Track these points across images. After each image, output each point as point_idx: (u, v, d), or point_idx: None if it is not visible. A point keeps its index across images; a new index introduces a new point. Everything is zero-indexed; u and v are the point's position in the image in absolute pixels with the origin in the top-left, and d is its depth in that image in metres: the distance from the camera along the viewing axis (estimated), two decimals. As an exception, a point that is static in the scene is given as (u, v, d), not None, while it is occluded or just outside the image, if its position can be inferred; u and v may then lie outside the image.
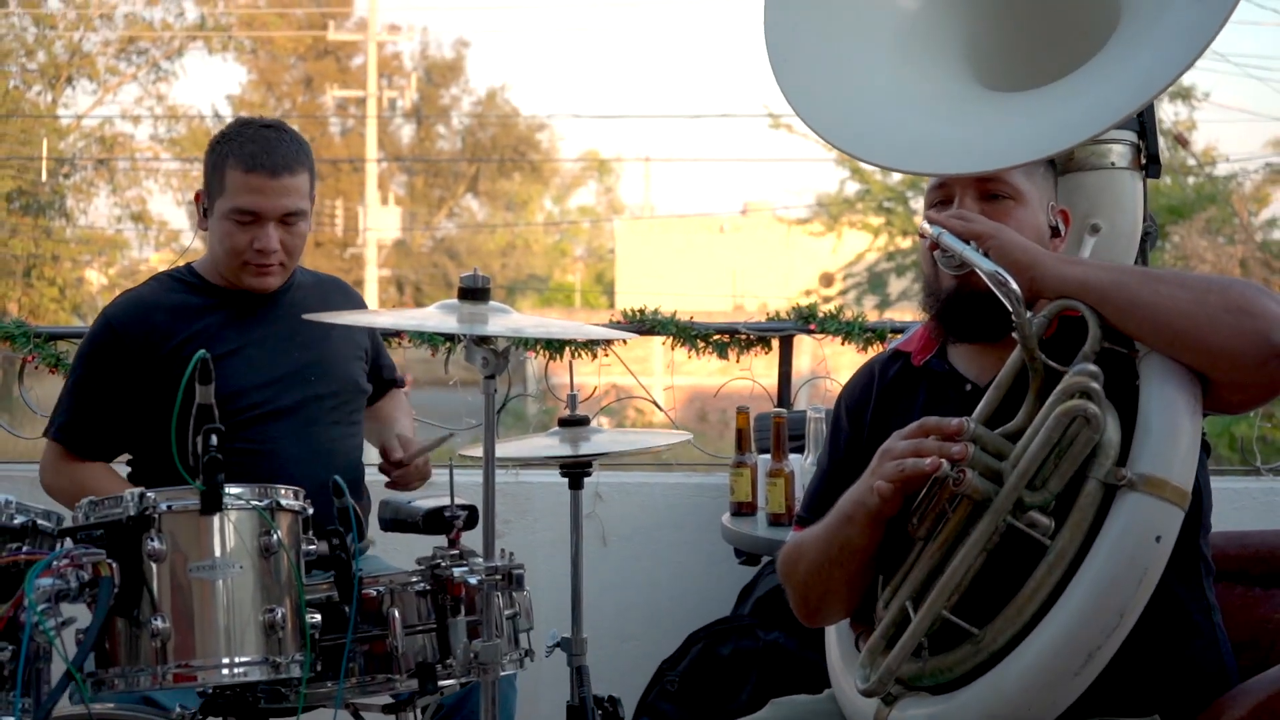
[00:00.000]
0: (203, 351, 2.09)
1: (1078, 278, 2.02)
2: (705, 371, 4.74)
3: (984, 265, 1.98)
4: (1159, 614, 1.94)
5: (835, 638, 2.27)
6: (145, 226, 24.06)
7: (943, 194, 2.22)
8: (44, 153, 22.60)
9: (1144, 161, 2.52)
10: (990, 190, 2.18)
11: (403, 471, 3.03)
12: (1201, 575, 2.13)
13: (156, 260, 22.46)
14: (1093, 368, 1.95)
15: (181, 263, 3.19)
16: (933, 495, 1.98)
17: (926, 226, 2.10)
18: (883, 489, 1.99)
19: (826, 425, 3.53)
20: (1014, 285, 1.95)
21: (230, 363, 2.91)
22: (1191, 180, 18.85)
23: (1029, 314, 1.97)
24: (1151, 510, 1.89)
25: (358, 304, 3.32)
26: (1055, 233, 2.24)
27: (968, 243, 2.03)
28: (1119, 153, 2.49)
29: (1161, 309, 1.96)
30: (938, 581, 1.96)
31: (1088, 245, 2.28)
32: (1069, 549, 1.91)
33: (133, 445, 3.05)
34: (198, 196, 3.03)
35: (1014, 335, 1.99)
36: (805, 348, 4.49)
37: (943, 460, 1.94)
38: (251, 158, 2.91)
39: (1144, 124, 2.51)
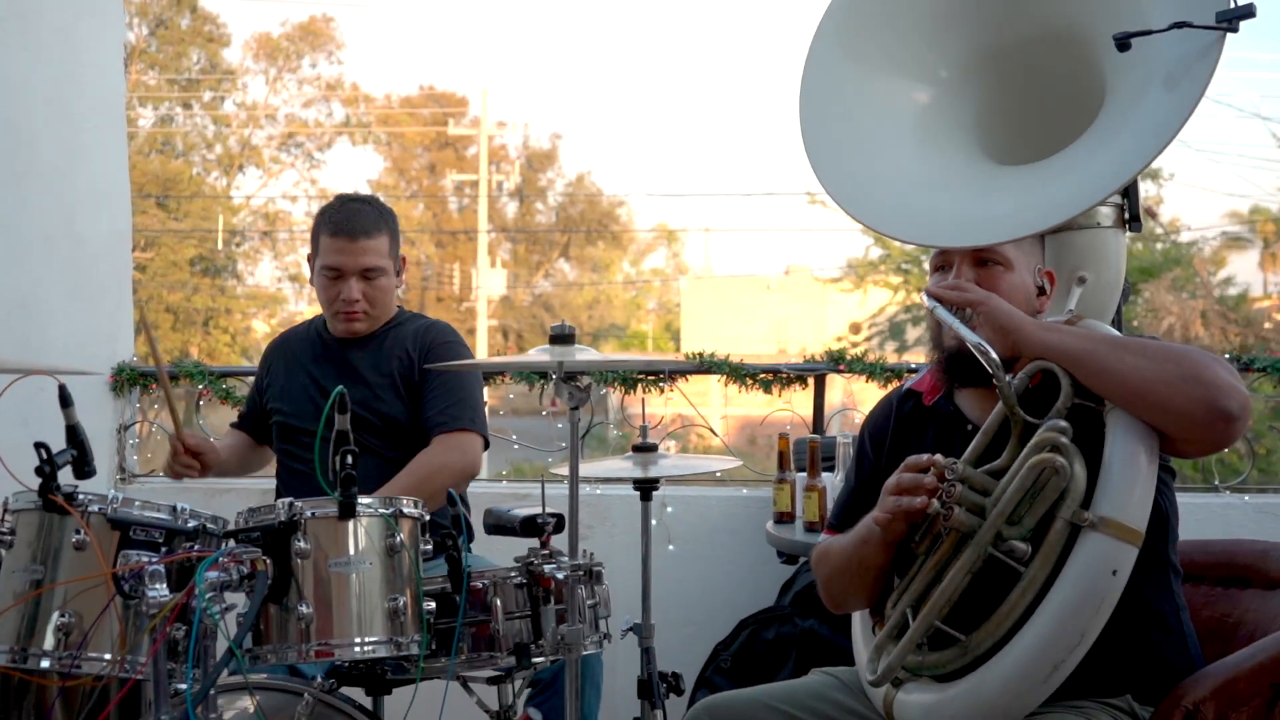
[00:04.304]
0: (340, 388, 2.09)
1: (1054, 344, 1.98)
2: (754, 404, 4.71)
3: (969, 338, 1.96)
4: (1128, 611, 1.89)
5: (859, 624, 2.24)
6: (301, 285, 24.56)
7: (943, 260, 2.18)
8: (219, 226, 23.06)
9: (1127, 219, 2.41)
10: (983, 258, 2.13)
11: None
12: (1170, 578, 2.08)
13: (310, 313, 22.72)
14: (1062, 423, 1.92)
15: None
16: (930, 520, 1.97)
17: (925, 299, 2.07)
18: (882, 520, 2.00)
19: (853, 448, 3.52)
20: (994, 355, 1.93)
21: (291, 392, 3.08)
22: (1159, 246, 18.66)
23: (1008, 377, 1.95)
24: (1109, 548, 1.85)
25: (456, 347, 3.06)
26: (1041, 291, 2.19)
27: (963, 309, 2.01)
28: (1105, 213, 2.39)
29: (1127, 375, 1.91)
30: (932, 595, 1.95)
31: (1075, 295, 2.21)
32: (1039, 576, 1.89)
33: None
34: (309, 258, 3.09)
35: (997, 392, 1.96)
36: (837, 384, 4.45)
37: (932, 500, 1.93)
38: (336, 225, 2.97)
39: (1127, 187, 2.40)
